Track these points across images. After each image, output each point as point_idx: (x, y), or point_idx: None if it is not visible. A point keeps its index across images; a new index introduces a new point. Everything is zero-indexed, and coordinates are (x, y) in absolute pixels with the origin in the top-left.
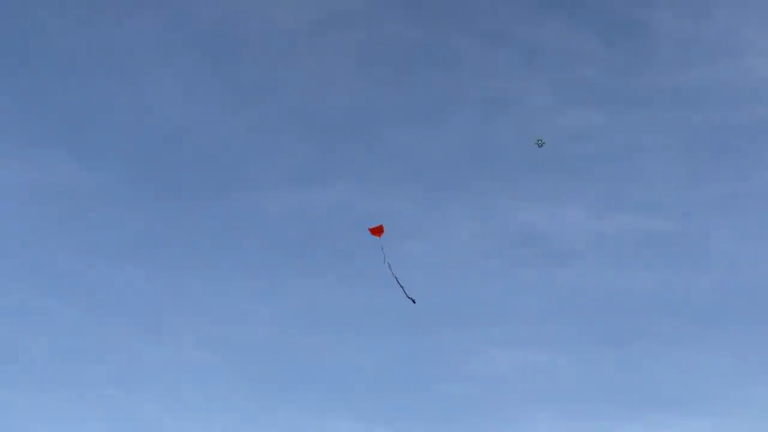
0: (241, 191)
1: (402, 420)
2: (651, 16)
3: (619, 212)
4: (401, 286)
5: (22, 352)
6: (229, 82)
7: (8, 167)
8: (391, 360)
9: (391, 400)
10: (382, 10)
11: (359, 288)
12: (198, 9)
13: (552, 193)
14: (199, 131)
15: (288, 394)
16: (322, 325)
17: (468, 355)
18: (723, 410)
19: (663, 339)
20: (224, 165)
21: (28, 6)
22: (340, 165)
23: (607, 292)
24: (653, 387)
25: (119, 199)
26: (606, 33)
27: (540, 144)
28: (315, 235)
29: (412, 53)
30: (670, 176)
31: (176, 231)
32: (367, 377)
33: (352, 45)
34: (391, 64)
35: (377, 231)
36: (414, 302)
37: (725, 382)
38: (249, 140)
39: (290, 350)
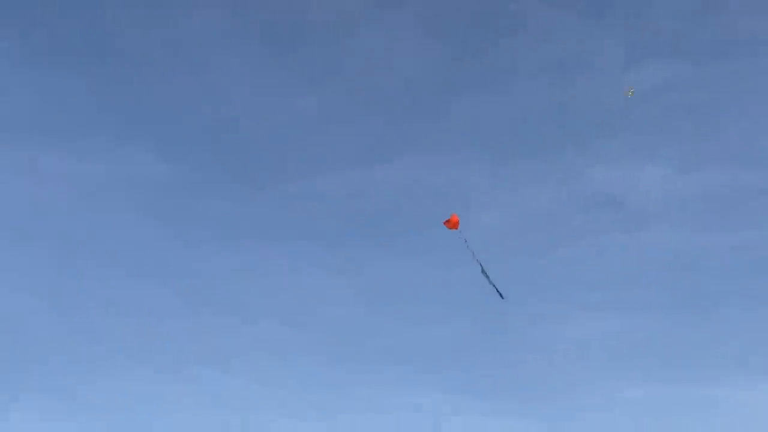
0: (314, 172)
1: (486, 391)
2: None
3: (701, 169)
4: (490, 281)
5: (115, 336)
6: (296, 66)
7: (95, 164)
8: (471, 331)
9: (474, 371)
10: None
11: (436, 261)
12: None
13: (629, 154)
14: (270, 116)
15: (371, 368)
16: (400, 300)
17: (549, 322)
18: None
19: (748, 300)
20: (297, 147)
21: (100, 5)
22: (408, 139)
23: (689, 254)
24: (739, 349)
25: (198, 187)
26: None
27: (630, 92)
28: (388, 210)
29: (474, 20)
30: (756, 128)
31: (255, 214)
32: (449, 349)
33: (414, 17)
34: (453, 34)
35: (452, 223)
36: (503, 297)
37: None
38: (318, 122)
39: (370, 325)
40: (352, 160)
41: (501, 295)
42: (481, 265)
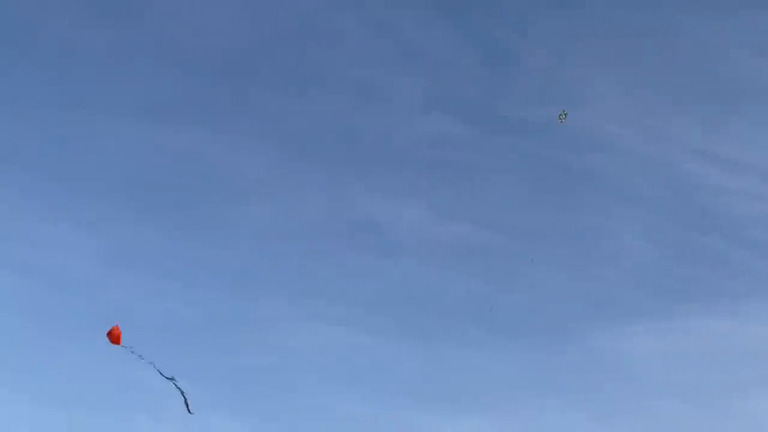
0: None
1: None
2: None
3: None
4: (181, 392)
5: None
6: None
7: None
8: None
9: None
10: None
11: None
12: None
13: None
14: None
15: None
16: None
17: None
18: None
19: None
20: None
21: None
22: None
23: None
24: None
25: None
26: None
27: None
28: None
29: None
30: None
31: None
32: None
33: None
34: None
35: (115, 336)
36: (191, 412)
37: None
38: None
39: None
40: None
41: (189, 409)
42: (169, 378)
